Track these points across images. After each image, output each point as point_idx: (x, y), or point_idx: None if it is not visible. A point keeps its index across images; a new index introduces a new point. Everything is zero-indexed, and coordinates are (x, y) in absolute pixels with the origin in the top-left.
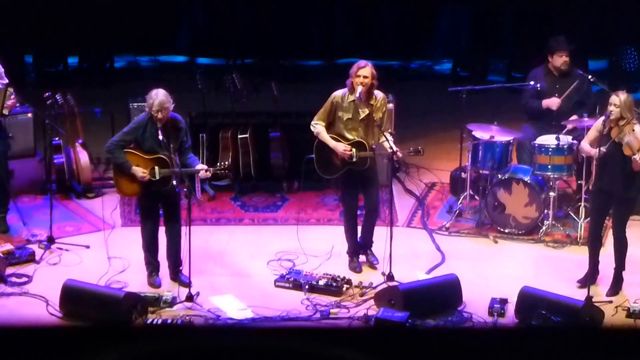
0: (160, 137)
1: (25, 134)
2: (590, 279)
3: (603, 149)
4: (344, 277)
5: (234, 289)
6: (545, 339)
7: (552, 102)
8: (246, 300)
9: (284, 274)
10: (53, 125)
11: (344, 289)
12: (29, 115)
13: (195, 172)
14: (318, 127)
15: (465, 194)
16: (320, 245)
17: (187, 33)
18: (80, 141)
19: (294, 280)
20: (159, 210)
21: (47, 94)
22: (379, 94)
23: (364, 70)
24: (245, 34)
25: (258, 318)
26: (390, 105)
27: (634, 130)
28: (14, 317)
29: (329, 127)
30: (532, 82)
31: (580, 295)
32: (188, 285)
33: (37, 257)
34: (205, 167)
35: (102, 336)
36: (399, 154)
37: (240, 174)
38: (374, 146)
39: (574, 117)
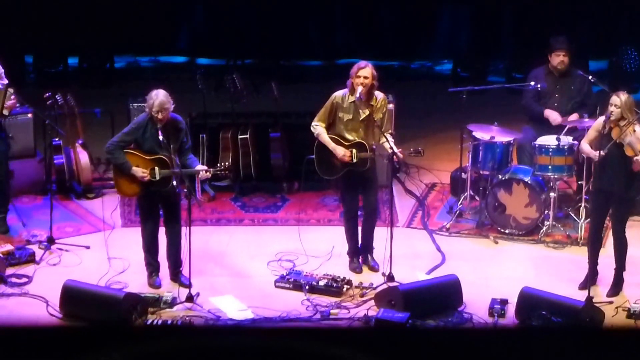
0: (161, 137)
1: (25, 134)
2: (590, 279)
3: (602, 152)
4: (344, 278)
5: (234, 289)
6: (546, 340)
7: (553, 117)
8: (246, 301)
9: (284, 274)
10: (53, 126)
11: (344, 289)
12: (29, 115)
13: (195, 173)
14: (318, 128)
15: (465, 194)
16: (321, 245)
17: (187, 33)
18: (80, 141)
19: (294, 281)
20: (159, 211)
21: (47, 94)
22: (379, 94)
23: (364, 70)
24: (246, 34)
25: (258, 319)
26: (391, 106)
27: (635, 130)
28: (14, 317)
29: (329, 128)
30: (532, 83)
31: (580, 295)
32: (188, 285)
33: (37, 258)
34: (205, 167)
35: (102, 337)
36: (399, 155)
37: (241, 174)
38: (374, 147)
39: (575, 116)
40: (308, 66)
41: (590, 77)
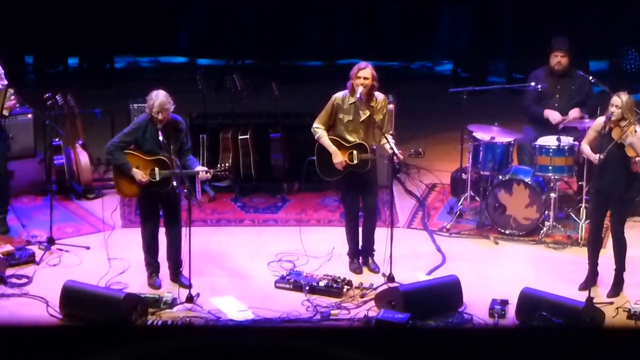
0: (161, 138)
1: (25, 134)
2: (590, 280)
3: (602, 156)
4: (345, 279)
5: (234, 290)
6: (546, 341)
7: (553, 117)
8: (246, 302)
9: (285, 275)
10: (53, 126)
11: (345, 290)
12: (29, 116)
13: (196, 174)
14: (319, 131)
15: (465, 195)
16: (321, 246)
17: (187, 34)
18: (80, 142)
19: (294, 282)
20: (159, 212)
21: (47, 94)
22: (379, 95)
23: (364, 71)
24: (246, 34)
25: (258, 319)
26: (391, 106)
27: (635, 131)
28: (14, 318)
29: (330, 129)
30: (533, 83)
31: (580, 296)
32: (188, 286)
33: (37, 258)
34: (206, 168)
35: (102, 337)
36: (400, 156)
37: (241, 175)
38: (374, 148)
39: (575, 111)
40: (308, 66)
41: (590, 78)
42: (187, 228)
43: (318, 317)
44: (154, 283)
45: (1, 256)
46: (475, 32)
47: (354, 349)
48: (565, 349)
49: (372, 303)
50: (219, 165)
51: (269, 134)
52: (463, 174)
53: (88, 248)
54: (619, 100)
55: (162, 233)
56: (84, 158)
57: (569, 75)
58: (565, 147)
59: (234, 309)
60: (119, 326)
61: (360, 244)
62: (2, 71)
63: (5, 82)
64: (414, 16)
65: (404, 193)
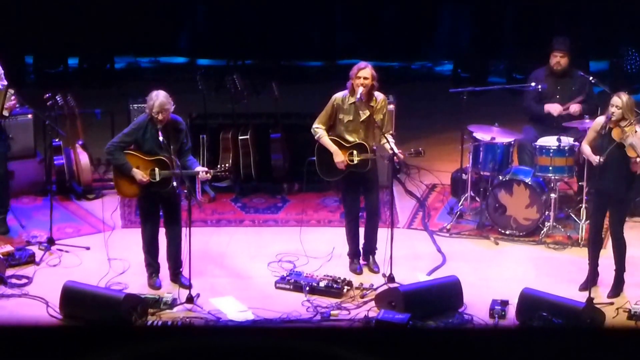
0: (161, 138)
1: (25, 134)
2: (591, 280)
3: (602, 159)
4: (345, 279)
5: (235, 290)
6: (546, 341)
7: (554, 108)
8: (246, 302)
9: (285, 275)
10: (53, 126)
11: (345, 290)
12: (29, 116)
13: (196, 174)
14: (319, 131)
15: (466, 195)
16: (321, 246)
17: (187, 34)
18: (80, 142)
19: (294, 282)
20: (159, 212)
21: (47, 95)
22: (379, 95)
23: (364, 71)
24: (246, 34)
25: (258, 320)
26: (391, 107)
27: (636, 131)
28: (14, 318)
29: (330, 129)
30: (533, 84)
31: (581, 297)
32: (188, 286)
33: (37, 259)
34: (206, 169)
35: (102, 338)
36: (400, 156)
37: (241, 175)
38: (374, 148)
39: (576, 106)
40: (309, 67)
41: (591, 78)
42: (187, 228)
43: (318, 317)
44: (154, 283)
45: (1, 256)
46: (475, 33)
47: (354, 349)
48: (566, 349)
49: (373, 303)
50: (219, 166)
51: (269, 134)
52: (463, 175)
53: (88, 248)
54: (619, 100)
55: (162, 233)
56: (84, 158)
57: (569, 75)
58: (566, 148)
59: (234, 309)
60: (119, 326)
61: (362, 243)
62: (2, 71)
63: (5, 83)
64: (414, 16)
65: (404, 193)
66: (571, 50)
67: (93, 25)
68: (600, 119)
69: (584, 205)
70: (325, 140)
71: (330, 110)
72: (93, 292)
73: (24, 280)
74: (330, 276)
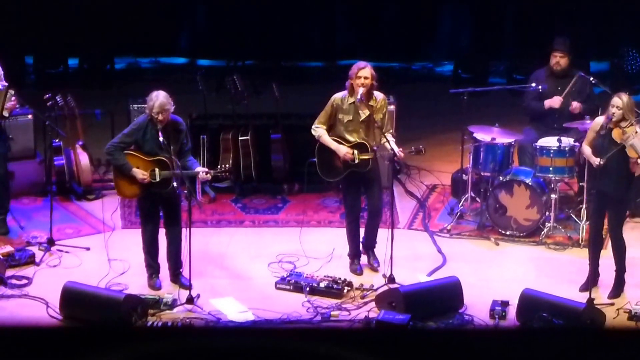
0: (161, 139)
1: (25, 135)
2: (591, 281)
3: (602, 161)
4: (345, 280)
5: (235, 291)
6: (547, 342)
7: (554, 101)
8: (247, 303)
9: (285, 276)
10: (53, 127)
11: (345, 291)
12: (29, 116)
13: (196, 174)
14: (319, 130)
15: (466, 196)
16: (321, 247)
17: (187, 34)
18: (80, 143)
19: (294, 283)
20: (159, 213)
21: (47, 95)
22: (379, 95)
23: (364, 71)
24: (246, 35)
25: (259, 320)
26: (392, 107)
27: (637, 132)
28: (14, 319)
29: (330, 130)
30: (533, 84)
31: (581, 297)
32: (188, 287)
33: (37, 259)
34: (206, 169)
35: (102, 338)
36: (400, 154)
37: (241, 175)
38: (375, 148)
39: (576, 105)
40: (309, 67)
41: (591, 79)
42: (187, 229)
43: (318, 318)
44: (154, 284)
45: (1, 257)
46: (475, 33)
47: (354, 350)
48: (566, 350)
49: (373, 304)
50: (219, 166)
51: (269, 134)
52: (464, 175)
53: (88, 249)
54: (620, 101)
55: (162, 234)
56: (84, 159)
57: (570, 76)
58: (566, 148)
59: (234, 310)
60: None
61: (362, 239)
62: (2, 72)
63: (6, 84)
64: (415, 17)
65: (405, 194)
66: (571, 50)
67: (93, 25)
68: (600, 119)
69: (584, 206)
70: (326, 138)
71: (329, 110)
72: (93, 293)
73: (24, 281)
74: (331, 277)
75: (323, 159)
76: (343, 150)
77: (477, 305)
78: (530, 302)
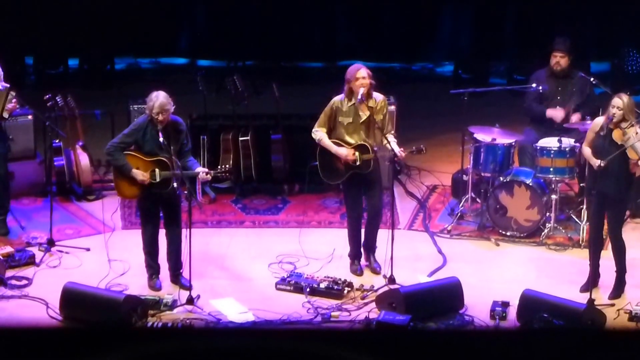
0: (161, 139)
1: (25, 136)
2: (592, 282)
3: (602, 163)
4: (345, 280)
5: (235, 292)
6: (547, 343)
7: (556, 115)
8: (247, 304)
9: (285, 276)
10: (53, 127)
11: (345, 291)
12: (29, 117)
13: (196, 175)
14: (319, 133)
15: (466, 196)
16: (322, 248)
17: (187, 35)
18: (80, 143)
19: (295, 283)
20: (160, 213)
21: (47, 96)
22: (378, 96)
23: (362, 72)
24: (247, 35)
25: (259, 321)
26: (392, 108)
27: (637, 132)
28: (13, 319)
29: (330, 133)
30: (534, 85)
31: (582, 298)
32: (188, 288)
33: (37, 260)
34: (206, 169)
35: (102, 339)
36: (401, 154)
37: (242, 176)
38: (376, 148)
39: (577, 117)
40: (309, 68)
41: (592, 79)
42: (188, 229)
43: (319, 319)
44: (154, 285)
45: (1, 258)
46: (476, 34)
47: (355, 351)
48: (567, 351)
49: (373, 305)
50: (219, 167)
51: (269, 135)
52: (464, 176)
53: (88, 250)
54: (620, 101)
55: (162, 234)
56: (84, 159)
57: (570, 76)
58: (567, 149)
59: (235, 310)
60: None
61: (363, 241)
62: (2, 73)
63: (7, 85)
64: (415, 17)
65: (405, 194)
66: (571, 50)
67: (93, 26)
68: (599, 120)
69: (584, 207)
70: (326, 142)
71: (329, 113)
72: (93, 294)
73: (24, 282)
74: (331, 277)
75: (324, 161)
76: (344, 152)
77: (477, 306)
78: (531, 303)
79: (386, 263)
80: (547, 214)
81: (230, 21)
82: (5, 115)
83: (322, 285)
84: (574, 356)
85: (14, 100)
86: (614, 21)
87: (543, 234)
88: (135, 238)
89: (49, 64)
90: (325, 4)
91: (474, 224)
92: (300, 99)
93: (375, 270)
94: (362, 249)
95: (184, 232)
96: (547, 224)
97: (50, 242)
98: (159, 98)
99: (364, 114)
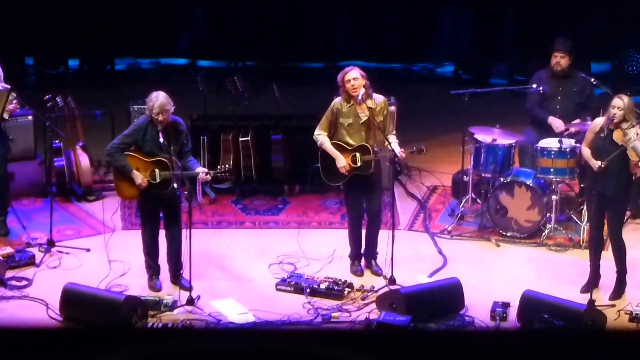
0: (161, 139)
1: (25, 136)
2: (592, 282)
3: (603, 164)
4: (346, 281)
5: (235, 292)
6: (548, 343)
7: (557, 126)
8: (247, 304)
9: (285, 277)
10: (53, 128)
11: (346, 292)
12: (29, 117)
13: (196, 175)
14: (321, 137)
15: (467, 197)
16: (322, 248)
17: (188, 35)
18: (80, 144)
19: (295, 284)
20: (160, 214)
21: (47, 96)
22: (378, 97)
23: (350, 74)
24: (247, 36)
25: (259, 322)
26: (392, 108)
27: (638, 133)
28: (13, 320)
29: (333, 134)
30: (534, 85)
31: (582, 299)
32: (189, 288)
33: (37, 261)
34: (206, 170)
35: (103, 340)
36: (402, 154)
37: (242, 177)
38: (376, 149)
39: (577, 120)
40: (309, 68)
41: (592, 80)
42: (188, 230)
43: (319, 319)
44: (155, 285)
45: (1, 258)
46: (477, 34)
47: (355, 351)
48: (567, 351)
49: (374, 305)
50: (219, 167)
51: (269, 135)
52: (464, 176)
53: (88, 250)
54: (621, 102)
55: (162, 235)
56: (84, 160)
57: (571, 77)
58: (567, 149)
59: (235, 311)
60: (119, 329)
61: (363, 247)
62: (2, 73)
63: (8, 86)
64: (415, 18)
65: (405, 195)
66: (572, 51)
67: (93, 26)
68: (599, 120)
69: (585, 207)
70: (328, 146)
71: (330, 116)
72: (93, 294)
73: (24, 282)
74: (331, 278)
75: (326, 164)
76: (340, 162)
77: (477, 306)
78: (531, 304)
79: (386, 264)
80: (548, 214)
81: (230, 21)
82: (6, 116)
83: (323, 286)
84: (574, 357)
85: (14, 101)
86: (615, 22)
87: (543, 234)
88: (135, 239)
89: (49, 65)
90: (326, 5)
91: (474, 224)
92: (300, 99)
93: (377, 273)
94: (362, 255)
95: (184, 233)
96: (547, 225)
97: (50, 243)
98: (159, 98)
99: (364, 115)
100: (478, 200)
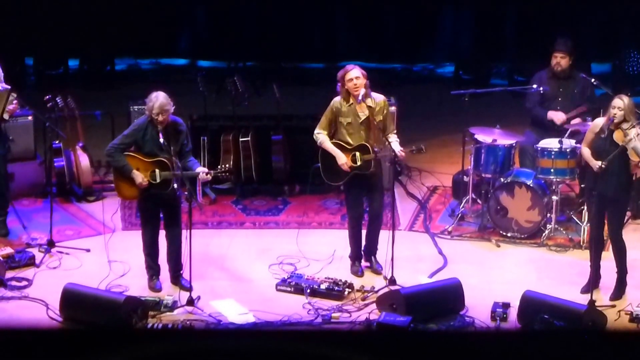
0: (161, 139)
1: (25, 136)
2: (592, 283)
3: (603, 165)
4: (346, 281)
5: (235, 293)
6: (548, 344)
7: (558, 118)
8: (247, 305)
9: (286, 278)
10: (53, 128)
11: (346, 293)
12: (30, 118)
13: (196, 175)
14: (321, 136)
15: (467, 197)
16: (322, 249)
17: (188, 36)
18: (80, 144)
19: (295, 284)
20: (160, 214)
21: (47, 96)
22: (378, 96)
23: (352, 72)
24: (247, 36)
25: (259, 322)
26: (393, 108)
27: (638, 134)
28: (13, 321)
29: (333, 134)
30: (535, 86)
31: (582, 299)
32: (189, 289)
33: (37, 261)
34: (206, 170)
35: (103, 340)
36: (402, 154)
37: (242, 177)
38: (376, 149)
39: (577, 120)
40: (310, 68)
41: (593, 80)
42: (188, 230)
43: (319, 320)
44: (155, 286)
45: (1, 259)
46: (477, 35)
47: (355, 352)
48: (567, 352)
49: (374, 306)
50: (219, 167)
51: (270, 136)
52: (465, 177)
53: (88, 251)
54: (621, 102)
55: (162, 236)
56: (84, 160)
57: (571, 77)
58: (567, 150)
59: (235, 312)
60: (119, 329)
61: (364, 245)
62: (2, 74)
63: (8, 87)
64: (416, 18)
65: (406, 195)
66: (572, 51)
67: (93, 26)
68: (599, 121)
69: (585, 208)
70: (328, 145)
71: (330, 115)
72: (93, 295)
73: (24, 283)
74: (332, 278)
75: (326, 163)
76: (341, 160)
77: (478, 307)
78: (532, 304)
79: (387, 264)
80: (548, 215)
81: (230, 21)
82: (6, 116)
83: (323, 287)
84: (574, 357)
85: (14, 101)
86: (615, 22)
87: (544, 235)
88: (135, 239)
89: (49, 65)
90: (326, 5)
91: (474, 225)
92: (300, 99)
93: (377, 271)
94: (362, 253)
95: (184, 233)
96: (547, 225)
97: (50, 243)
98: (159, 98)
99: (363, 114)
100: (478, 201)
